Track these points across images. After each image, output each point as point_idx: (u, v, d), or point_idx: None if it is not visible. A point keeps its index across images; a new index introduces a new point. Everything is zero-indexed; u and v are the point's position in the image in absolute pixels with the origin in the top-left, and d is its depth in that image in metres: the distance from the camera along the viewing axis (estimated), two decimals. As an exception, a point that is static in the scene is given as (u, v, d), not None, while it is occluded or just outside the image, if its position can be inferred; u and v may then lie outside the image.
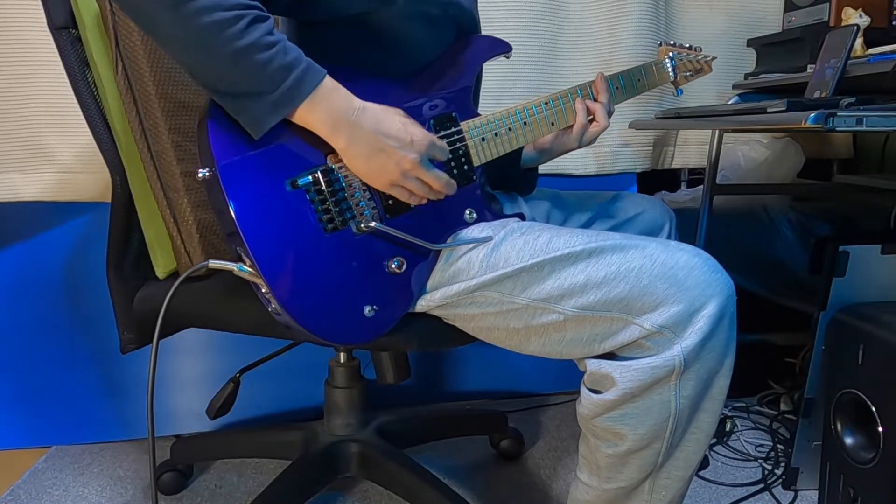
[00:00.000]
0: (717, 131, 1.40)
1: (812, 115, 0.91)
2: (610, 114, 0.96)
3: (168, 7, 0.64)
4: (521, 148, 1.02)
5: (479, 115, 0.87)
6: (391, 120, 0.75)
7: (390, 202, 0.79)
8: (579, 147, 0.97)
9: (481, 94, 1.03)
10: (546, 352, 0.78)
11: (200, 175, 0.74)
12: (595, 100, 0.96)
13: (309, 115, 0.72)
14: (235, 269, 0.74)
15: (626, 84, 1.01)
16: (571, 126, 0.95)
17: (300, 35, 0.86)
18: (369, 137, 0.74)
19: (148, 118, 0.91)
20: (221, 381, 1.20)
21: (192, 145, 0.92)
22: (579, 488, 0.82)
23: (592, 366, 0.75)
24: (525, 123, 0.90)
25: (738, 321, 0.74)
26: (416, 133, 0.76)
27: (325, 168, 0.76)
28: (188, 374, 1.44)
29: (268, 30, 0.69)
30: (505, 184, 1.06)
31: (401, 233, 0.78)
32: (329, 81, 0.73)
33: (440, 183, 0.79)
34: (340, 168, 0.77)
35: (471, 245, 0.80)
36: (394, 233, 0.77)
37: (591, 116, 0.95)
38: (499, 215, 0.86)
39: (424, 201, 0.81)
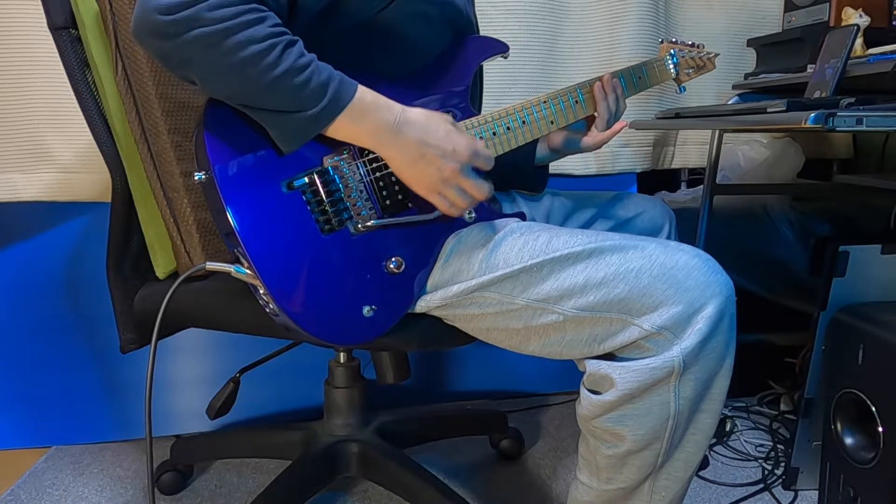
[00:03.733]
0: (717, 131, 1.40)
1: (812, 115, 0.91)
2: (622, 110, 0.99)
3: (203, 48, 0.65)
4: (536, 146, 1.03)
5: (476, 115, 0.87)
6: (436, 128, 0.76)
7: (388, 202, 0.79)
8: (594, 149, 1.00)
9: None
10: (546, 352, 0.78)
11: (197, 178, 0.74)
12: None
13: (348, 126, 0.73)
14: (233, 270, 0.74)
15: (626, 82, 1.01)
16: (588, 121, 0.98)
17: None
18: (412, 146, 0.75)
19: (148, 118, 0.91)
20: (221, 381, 1.20)
21: (192, 145, 0.92)
22: (579, 489, 0.82)
23: (592, 366, 0.75)
24: (524, 123, 0.90)
25: (738, 321, 0.74)
26: (460, 142, 0.76)
27: (321, 169, 0.76)
28: (188, 374, 1.44)
29: (300, 52, 0.70)
30: (517, 182, 1.07)
31: (401, 218, 0.78)
32: (365, 93, 0.73)
33: (482, 192, 0.78)
34: (337, 169, 0.77)
35: (469, 246, 0.80)
36: (394, 221, 0.78)
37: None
38: (498, 215, 0.86)
39: (470, 214, 0.82)
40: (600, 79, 0.96)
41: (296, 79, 0.69)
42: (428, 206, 0.80)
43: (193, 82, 0.70)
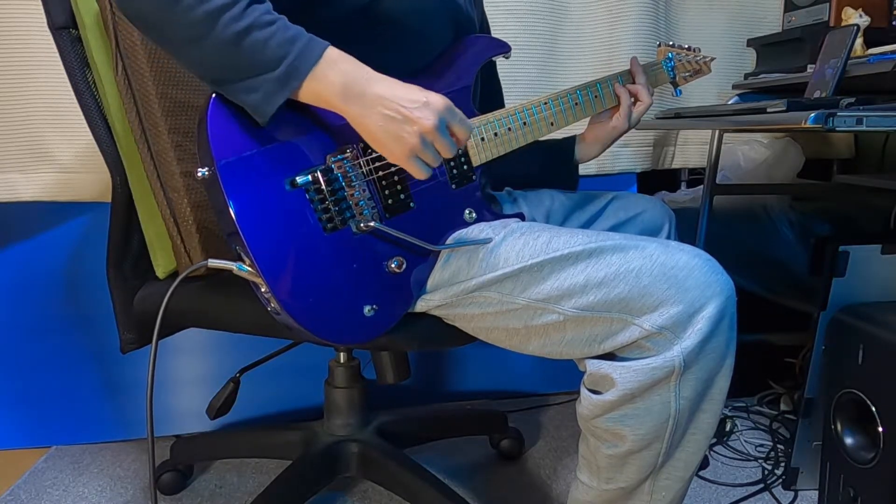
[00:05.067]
0: (717, 131, 1.40)
1: (812, 115, 0.91)
2: (650, 93, 1.02)
3: (168, 4, 0.64)
4: (574, 144, 1.05)
5: (477, 114, 0.87)
6: (406, 85, 0.72)
7: (390, 202, 0.79)
8: (629, 128, 1.01)
9: (479, 94, 1.03)
10: (546, 352, 0.78)
11: (199, 174, 0.73)
12: (633, 82, 1.01)
13: (317, 87, 0.70)
14: (234, 268, 0.74)
15: (624, 84, 1.01)
16: (611, 111, 1.00)
17: None
18: (383, 101, 0.70)
19: (148, 118, 0.91)
20: (221, 381, 1.20)
21: (192, 145, 0.92)
22: (579, 488, 0.82)
23: (592, 366, 0.75)
24: (525, 123, 0.90)
25: (738, 321, 0.74)
26: (433, 95, 0.72)
27: (325, 167, 0.76)
28: (188, 374, 1.44)
29: (266, 9, 0.68)
30: (555, 181, 1.09)
31: (400, 233, 0.78)
32: (334, 51, 0.70)
33: (450, 151, 0.74)
34: (340, 167, 0.77)
35: (470, 246, 0.80)
36: (393, 233, 0.77)
37: (634, 98, 1.00)
38: (498, 215, 0.86)
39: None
40: (628, 71, 1.01)
41: (259, 33, 0.66)
42: (431, 234, 0.80)
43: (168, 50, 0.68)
